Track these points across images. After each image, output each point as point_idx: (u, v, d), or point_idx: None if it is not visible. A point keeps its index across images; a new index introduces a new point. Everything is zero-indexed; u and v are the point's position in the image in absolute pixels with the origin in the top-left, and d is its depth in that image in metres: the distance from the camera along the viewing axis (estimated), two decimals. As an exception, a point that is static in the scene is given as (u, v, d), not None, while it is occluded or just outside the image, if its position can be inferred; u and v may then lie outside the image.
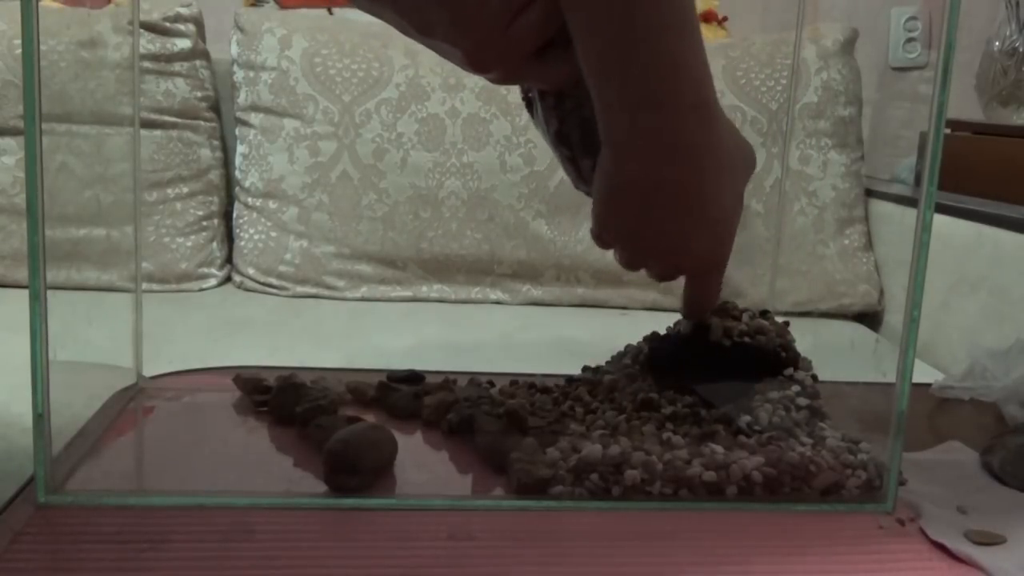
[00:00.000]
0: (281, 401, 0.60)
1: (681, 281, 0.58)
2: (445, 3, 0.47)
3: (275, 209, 1.32)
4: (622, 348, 0.65)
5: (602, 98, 0.49)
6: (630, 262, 0.56)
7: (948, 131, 1.37)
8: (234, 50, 1.36)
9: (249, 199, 1.34)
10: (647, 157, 0.50)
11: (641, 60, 0.47)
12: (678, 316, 0.63)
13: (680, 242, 0.53)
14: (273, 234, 1.32)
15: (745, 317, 0.61)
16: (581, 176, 0.56)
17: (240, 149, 1.35)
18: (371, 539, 0.46)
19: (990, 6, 1.50)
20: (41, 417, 0.46)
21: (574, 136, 0.54)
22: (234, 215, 1.37)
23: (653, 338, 0.63)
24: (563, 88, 0.53)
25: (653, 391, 0.59)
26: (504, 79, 0.52)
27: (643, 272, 0.58)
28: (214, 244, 1.35)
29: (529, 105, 0.56)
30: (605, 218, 0.54)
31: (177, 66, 1.34)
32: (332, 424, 0.55)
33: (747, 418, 0.56)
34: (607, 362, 0.65)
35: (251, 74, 1.34)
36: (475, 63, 0.49)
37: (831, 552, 0.47)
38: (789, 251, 1.32)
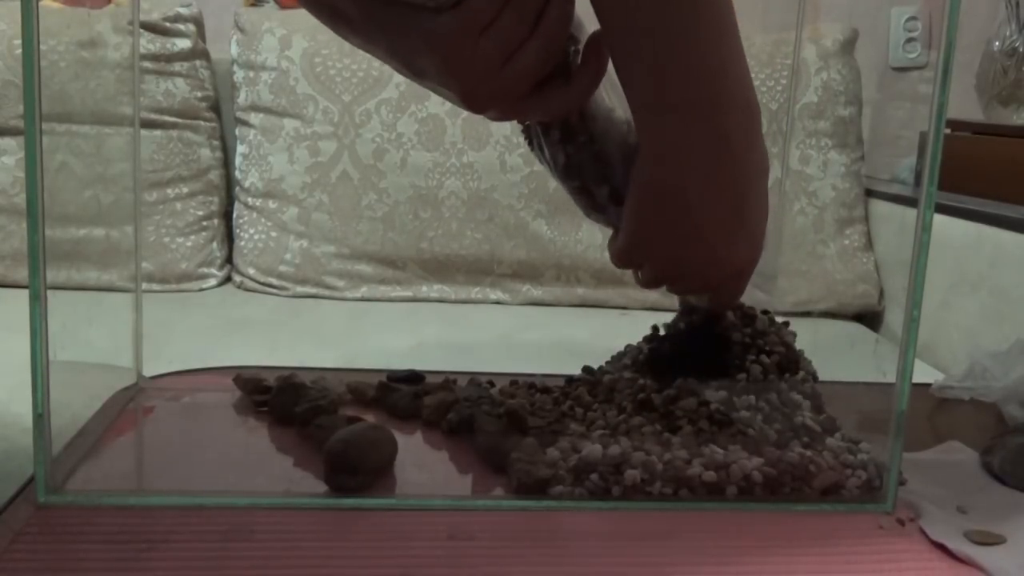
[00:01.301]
0: (281, 401, 0.60)
1: None
2: (436, 49, 0.46)
3: (275, 209, 1.32)
4: (622, 348, 0.65)
5: (644, 101, 0.49)
6: (661, 276, 0.55)
7: (948, 131, 1.37)
8: (234, 50, 1.36)
9: (249, 199, 1.34)
10: (693, 161, 0.49)
11: (689, 59, 0.47)
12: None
13: (720, 248, 0.53)
14: (273, 234, 1.32)
15: (761, 323, 0.61)
16: (594, 205, 0.55)
17: (240, 149, 1.35)
18: (371, 539, 0.46)
19: (990, 6, 1.50)
20: (41, 417, 0.46)
21: (586, 167, 0.54)
22: (234, 215, 1.37)
23: (652, 338, 0.63)
24: (567, 120, 0.53)
25: (653, 391, 0.59)
26: (502, 117, 0.52)
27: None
28: (214, 244, 1.35)
29: (528, 136, 0.56)
30: (641, 231, 0.53)
31: (177, 66, 1.34)
32: (332, 424, 0.55)
33: (745, 413, 0.56)
34: (607, 362, 0.65)
35: (251, 74, 1.34)
36: (472, 105, 0.49)
37: (831, 552, 0.47)
38: (789, 251, 1.32)
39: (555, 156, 0.54)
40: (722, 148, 0.49)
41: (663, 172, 0.50)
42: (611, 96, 0.53)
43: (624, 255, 0.55)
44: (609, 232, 0.57)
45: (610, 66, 0.50)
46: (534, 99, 0.50)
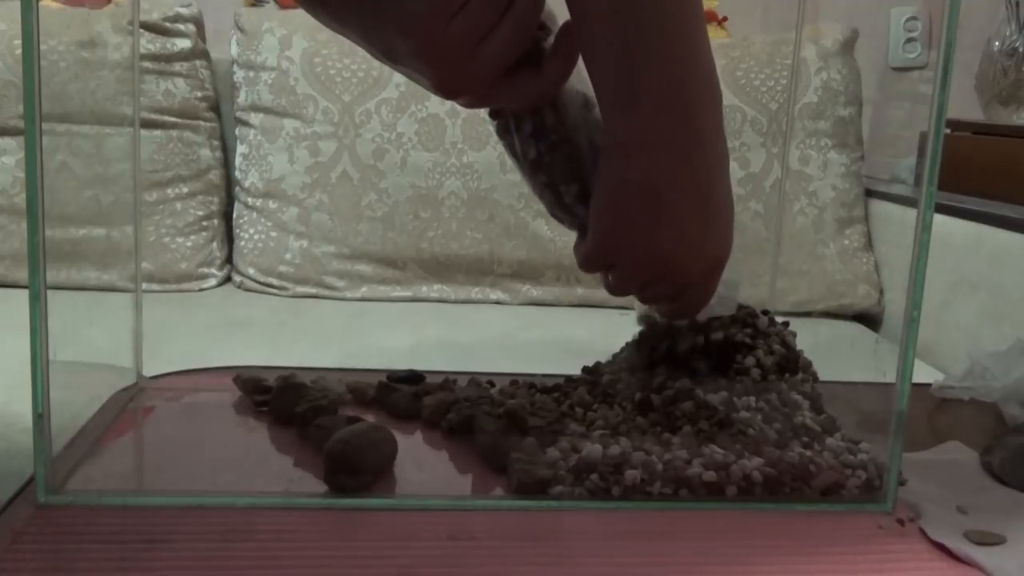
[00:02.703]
0: (281, 401, 0.60)
1: None
2: (408, 32, 0.46)
3: (275, 209, 1.32)
4: (621, 347, 0.65)
5: (613, 92, 0.49)
6: (632, 278, 0.54)
7: (948, 131, 1.37)
8: (234, 50, 1.36)
9: (249, 199, 1.34)
10: (663, 152, 0.49)
11: (657, 49, 0.47)
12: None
13: (693, 242, 0.52)
14: (273, 234, 1.32)
15: (761, 323, 0.60)
16: (560, 203, 0.55)
17: (240, 149, 1.35)
18: (371, 539, 0.46)
19: (990, 6, 1.50)
20: (41, 417, 0.46)
21: (556, 163, 0.53)
22: (234, 215, 1.37)
23: (649, 339, 0.63)
24: (538, 109, 0.52)
25: (653, 391, 0.59)
26: (474, 103, 0.51)
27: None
28: (214, 244, 1.35)
29: (500, 129, 0.55)
30: (610, 228, 0.52)
31: (177, 66, 1.34)
32: (332, 424, 0.55)
33: (745, 413, 0.56)
34: (606, 362, 0.65)
35: (251, 74, 1.34)
36: (443, 90, 0.49)
37: (831, 552, 0.47)
38: (789, 251, 1.32)
39: (526, 149, 0.54)
40: (691, 138, 0.49)
41: (632, 165, 0.50)
42: (586, 93, 0.53)
43: (593, 257, 0.54)
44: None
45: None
46: (504, 86, 0.50)
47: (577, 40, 0.49)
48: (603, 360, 0.65)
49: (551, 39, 0.51)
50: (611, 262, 0.54)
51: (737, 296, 0.60)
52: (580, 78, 0.52)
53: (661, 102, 0.48)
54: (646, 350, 0.61)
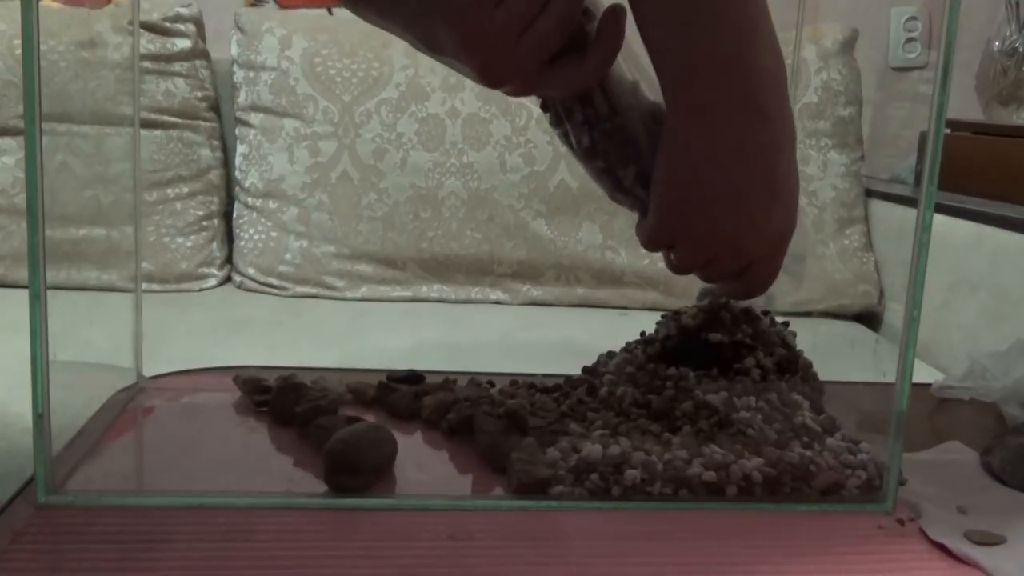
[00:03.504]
0: (281, 401, 0.60)
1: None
2: (452, 22, 0.46)
3: (275, 209, 1.32)
4: (621, 348, 0.65)
5: (672, 64, 0.48)
6: (695, 255, 0.53)
7: (948, 131, 1.37)
8: (234, 50, 1.36)
9: (249, 199, 1.34)
10: (724, 124, 0.49)
11: (716, 17, 0.46)
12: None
13: (757, 215, 0.51)
14: (273, 234, 1.32)
15: (761, 323, 0.60)
16: (619, 187, 0.54)
17: (240, 149, 1.35)
18: (371, 539, 0.46)
19: (990, 6, 1.50)
20: (41, 417, 0.46)
21: (611, 148, 0.53)
22: (234, 215, 1.37)
23: (648, 340, 0.63)
24: (590, 98, 0.52)
25: (653, 392, 0.59)
26: (520, 91, 0.51)
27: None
28: (214, 244, 1.35)
29: (552, 120, 0.55)
30: (672, 205, 0.52)
31: (177, 66, 1.34)
32: (332, 424, 0.55)
33: (745, 413, 0.56)
34: (606, 362, 0.65)
35: (251, 74, 1.34)
36: (488, 79, 0.49)
37: (831, 552, 0.47)
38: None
39: (579, 137, 0.53)
40: (753, 111, 0.49)
41: (693, 141, 0.49)
42: (635, 73, 0.53)
43: (655, 234, 0.53)
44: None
45: (635, 44, 0.50)
46: (549, 73, 0.49)
47: (635, 16, 0.49)
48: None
49: (595, 24, 0.50)
50: (673, 240, 0.54)
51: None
52: (631, 61, 0.52)
53: (720, 75, 0.48)
54: (662, 339, 0.61)
